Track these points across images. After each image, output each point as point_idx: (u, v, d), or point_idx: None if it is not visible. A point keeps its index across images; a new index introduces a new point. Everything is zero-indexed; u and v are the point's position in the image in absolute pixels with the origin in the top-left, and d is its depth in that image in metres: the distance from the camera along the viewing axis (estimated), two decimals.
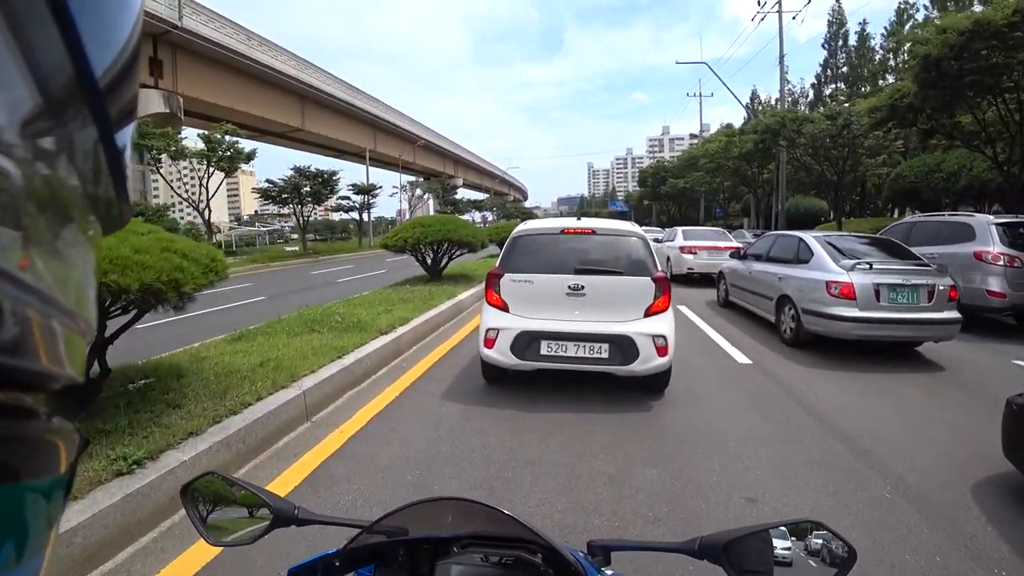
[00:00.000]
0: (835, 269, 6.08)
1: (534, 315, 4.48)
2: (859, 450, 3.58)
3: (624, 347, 4.25)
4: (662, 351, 4.24)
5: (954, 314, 5.80)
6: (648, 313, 4.38)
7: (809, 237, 6.97)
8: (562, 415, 4.20)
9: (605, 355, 4.29)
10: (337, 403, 4.50)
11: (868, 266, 5.89)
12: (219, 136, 24.08)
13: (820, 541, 0.78)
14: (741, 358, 5.93)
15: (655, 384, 4.63)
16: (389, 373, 5.35)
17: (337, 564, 0.80)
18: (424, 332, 6.97)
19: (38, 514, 0.25)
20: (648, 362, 4.23)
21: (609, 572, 0.90)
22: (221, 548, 1.73)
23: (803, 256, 6.78)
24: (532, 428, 3.95)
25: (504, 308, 4.56)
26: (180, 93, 25.99)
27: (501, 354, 4.42)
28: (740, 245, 12.87)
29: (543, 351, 4.36)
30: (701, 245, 13.23)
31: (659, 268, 4.51)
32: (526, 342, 4.37)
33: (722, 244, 13.23)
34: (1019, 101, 12.91)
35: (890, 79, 38.07)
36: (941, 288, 5.79)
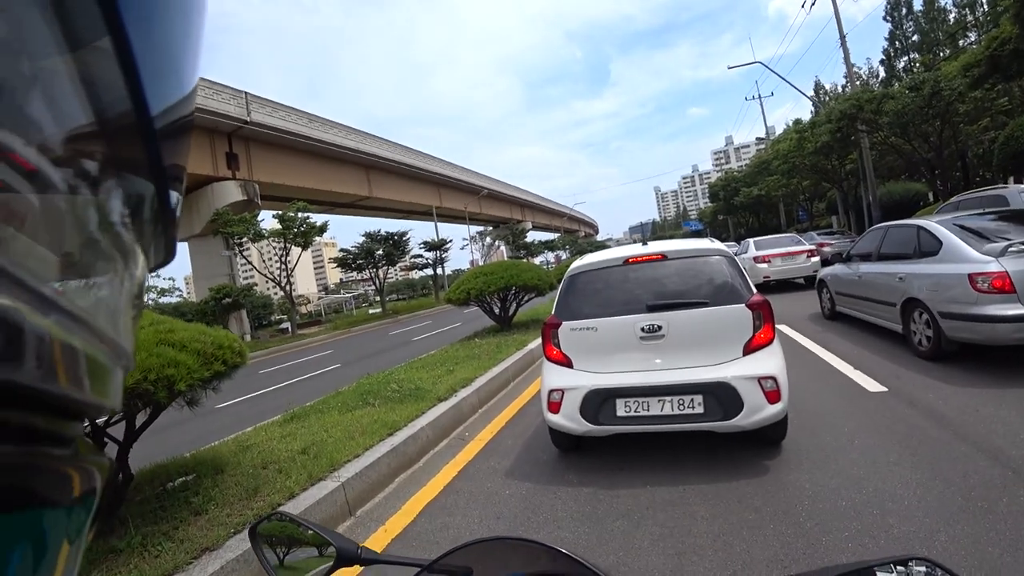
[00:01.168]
0: (978, 257, 4.76)
1: (604, 369, 3.68)
2: None
3: (723, 397, 3.34)
4: (773, 396, 3.29)
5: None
6: (748, 350, 3.45)
7: (931, 224, 5.62)
8: (653, 491, 3.33)
9: (700, 409, 3.38)
10: (386, 491, 3.90)
11: (1023, 246, 4.53)
12: (292, 214, 25.50)
13: None
14: (872, 385, 4.74)
15: (768, 437, 3.66)
16: (449, 447, 4.71)
17: None
18: (492, 391, 6.31)
19: (67, 540, 0.25)
20: (756, 413, 3.29)
21: None
22: None
23: (927, 247, 5.46)
24: (616, 513, 3.12)
25: (567, 363, 3.80)
26: (255, 180, 28.03)
27: (569, 420, 3.65)
28: (812, 247, 13.68)
29: (620, 412, 3.53)
30: (774, 253, 13.26)
31: (754, 291, 3.60)
32: (598, 403, 3.57)
33: (795, 249, 13.21)
34: None
35: (971, 36, 34.30)
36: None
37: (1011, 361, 4.72)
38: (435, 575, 0.79)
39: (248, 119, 26.27)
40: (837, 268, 7.85)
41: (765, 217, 49.44)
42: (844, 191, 29.50)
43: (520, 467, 4.03)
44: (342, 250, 35.52)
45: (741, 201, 46.26)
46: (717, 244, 3.99)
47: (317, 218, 27.74)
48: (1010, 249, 4.59)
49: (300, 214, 26.20)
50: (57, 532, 0.24)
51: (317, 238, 28.03)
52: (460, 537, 3.08)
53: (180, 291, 26.99)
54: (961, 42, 34.80)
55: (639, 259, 3.83)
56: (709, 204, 70.84)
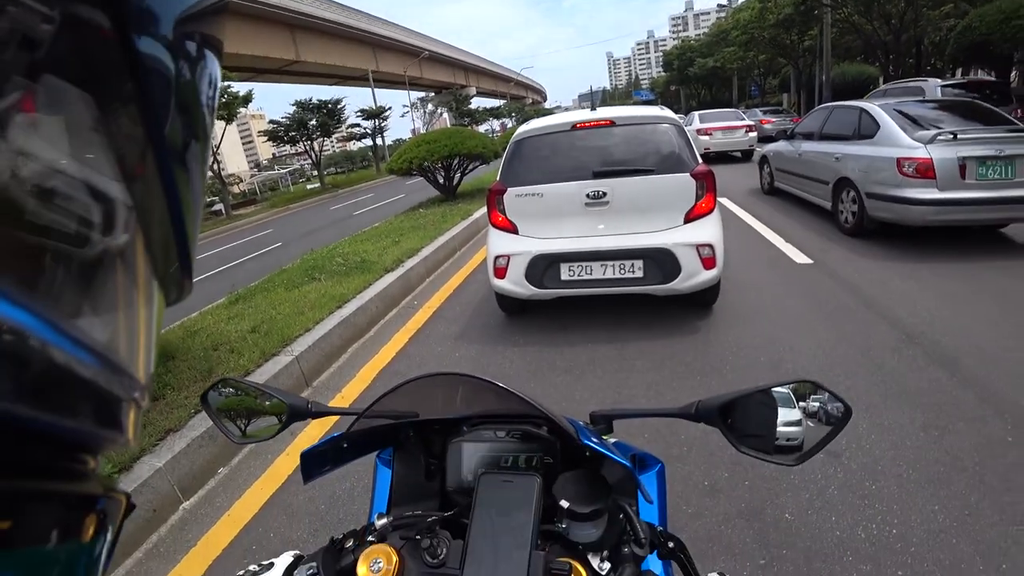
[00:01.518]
0: (909, 143, 4.97)
1: (549, 234, 3.73)
2: (965, 377, 2.86)
3: (662, 262, 3.49)
4: (709, 263, 3.47)
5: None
6: (689, 218, 3.55)
7: (873, 107, 5.74)
8: (594, 348, 3.58)
9: (640, 273, 3.55)
10: (340, 361, 4.00)
11: (951, 136, 4.74)
12: None
13: (817, 402, 0.76)
14: (800, 257, 5.07)
15: (701, 300, 3.91)
16: (399, 316, 4.80)
17: (345, 446, 0.81)
18: (439, 260, 6.36)
19: (89, 570, 0.25)
20: (692, 277, 3.48)
21: (612, 440, 0.91)
22: None
23: (867, 130, 5.63)
24: (560, 369, 3.36)
25: (512, 229, 3.82)
26: None
27: (515, 284, 3.75)
28: (752, 123, 14.80)
29: (564, 276, 3.66)
30: (716, 126, 14.13)
31: (699, 160, 3.62)
32: (543, 267, 3.67)
33: (735, 124, 14.28)
34: None
35: None
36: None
37: (923, 242, 5.11)
38: (382, 418, 0.81)
39: None
40: (780, 145, 7.99)
41: (718, 90, 48.74)
42: (799, 68, 29.16)
43: (469, 331, 4.19)
44: (271, 122, 32.74)
45: (695, 72, 45.11)
46: (667, 112, 3.93)
47: (239, 87, 25.04)
48: (938, 138, 4.78)
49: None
50: (74, 567, 0.24)
51: (242, 109, 25.50)
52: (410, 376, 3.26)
53: None
54: None
55: (587, 124, 3.74)
56: (663, 74, 68.75)
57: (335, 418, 1.26)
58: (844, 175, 5.77)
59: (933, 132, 4.87)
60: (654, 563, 0.84)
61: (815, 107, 7.84)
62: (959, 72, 25.84)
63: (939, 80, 11.31)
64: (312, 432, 2.91)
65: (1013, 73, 21.34)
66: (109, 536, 0.28)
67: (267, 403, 0.95)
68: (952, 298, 3.78)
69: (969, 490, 2.04)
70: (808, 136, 7.01)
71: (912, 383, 2.78)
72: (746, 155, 14.22)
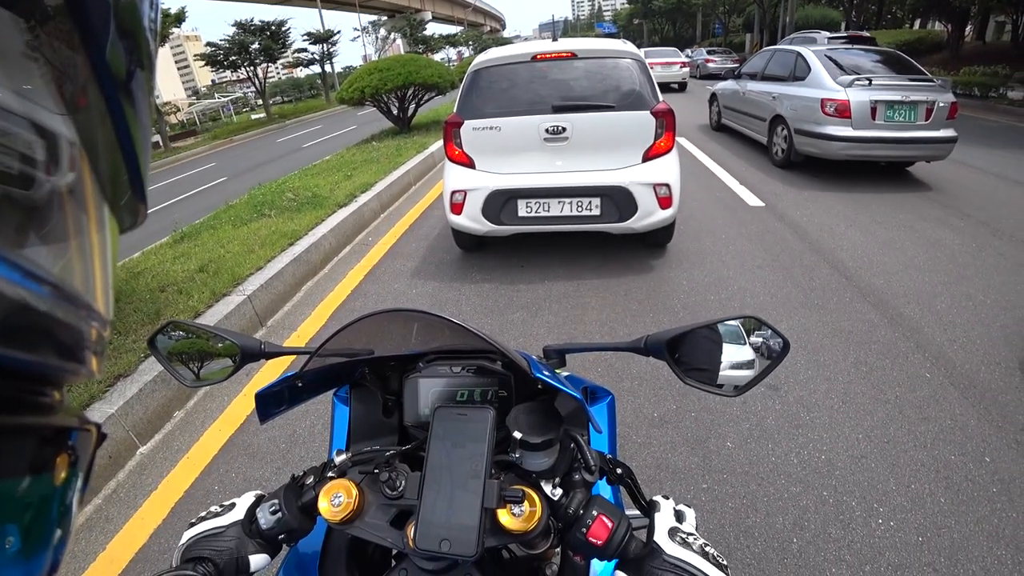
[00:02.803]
0: (832, 86, 5.59)
1: (506, 169, 3.67)
2: (892, 318, 3.07)
3: (619, 200, 3.51)
4: (665, 202, 3.50)
5: (950, 132, 5.37)
6: (647, 156, 3.55)
7: (808, 51, 6.28)
8: (550, 285, 3.63)
9: (596, 211, 3.56)
10: (294, 300, 3.92)
11: (867, 82, 5.38)
12: None
13: (759, 337, 0.79)
14: (753, 200, 5.23)
15: (656, 240, 3.98)
16: (353, 252, 4.69)
17: (300, 385, 0.80)
18: (393, 195, 6.18)
19: (61, 504, 0.26)
20: (648, 216, 3.52)
21: (564, 373, 0.96)
22: None
23: (800, 72, 6.20)
24: (516, 306, 3.40)
25: (469, 164, 3.73)
26: None
27: (472, 220, 3.71)
28: (686, 60, 19.37)
29: (521, 212, 3.63)
30: (656, 61, 17.55)
31: (660, 98, 3.58)
32: (500, 203, 3.63)
33: (673, 60, 18.40)
34: None
35: None
36: (941, 105, 5.33)
37: (867, 190, 5.33)
38: (338, 357, 0.81)
39: None
40: (728, 84, 8.35)
41: (681, 26, 47.66)
42: (764, 7, 28.62)
43: (425, 268, 4.16)
44: (209, 44, 29.90)
45: (660, 6, 43.76)
46: (629, 47, 3.83)
47: (171, 3, 22.68)
48: (856, 82, 5.37)
49: None
50: (49, 497, 0.24)
51: (175, 30, 23.26)
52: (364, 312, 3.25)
53: None
54: None
55: (548, 56, 3.63)
56: (626, 6, 66.35)
57: (291, 358, 1.24)
58: (778, 113, 6.33)
59: (852, 77, 5.47)
60: (603, 488, 0.89)
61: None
62: (917, 23, 26.06)
63: (827, 33, 14.06)
64: (268, 373, 2.88)
65: (968, 27, 21.65)
66: (82, 466, 0.28)
67: (219, 345, 0.92)
68: (889, 245, 3.98)
69: (889, 420, 2.24)
70: (752, 76, 7.44)
71: (847, 324, 2.97)
72: (681, 87, 18.63)
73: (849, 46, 7.54)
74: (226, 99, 53.78)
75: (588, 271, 3.79)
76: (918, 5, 20.39)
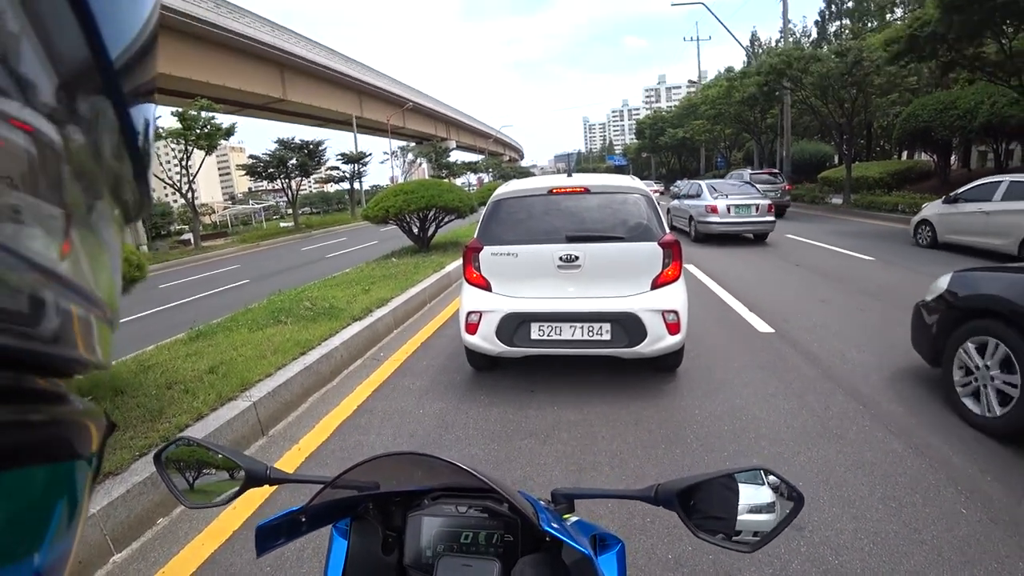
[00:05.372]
0: (710, 200, 11.75)
1: (521, 294, 3.82)
2: (917, 446, 2.96)
3: (629, 326, 3.59)
4: (673, 328, 3.58)
5: (770, 218, 11.32)
6: (656, 284, 3.70)
7: (702, 183, 12.96)
8: (560, 412, 3.56)
9: (607, 336, 3.63)
10: (299, 410, 3.87)
11: (725, 196, 11.70)
12: (194, 113, 22.87)
13: (771, 489, 0.77)
14: (762, 326, 5.25)
15: (666, 364, 4.00)
16: (363, 366, 4.70)
17: (303, 519, 0.78)
18: (408, 312, 6.30)
19: (71, 494, 0.26)
20: (657, 342, 3.58)
21: (572, 518, 0.92)
22: None
23: (698, 193, 12.61)
24: (525, 432, 3.32)
25: (486, 287, 3.89)
26: None
27: (486, 340, 3.78)
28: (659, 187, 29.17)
29: (534, 335, 3.71)
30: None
31: (667, 230, 3.81)
32: (514, 325, 3.73)
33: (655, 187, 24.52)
34: None
35: (898, 12, 35.99)
36: (763, 205, 11.39)
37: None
38: (342, 490, 0.80)
39: None
40: (674, 201, 14.97)
41: (687, 159, 51.00)
42: (762, 144, 30.86)
43: (434, 387, 4.12)
44: (251, 157, 32.61)
45: (666, 141, 47.26)
46: (637, 183, 4.13)
47: (223, 119, 24.98)
48: (718, 197, 11.65)
49: (204, 113, 23.47)
50: (61, 486, 0.25)
51: (223, 142, 25.34)
52: (374, 454, 3.16)
53: None
54: (888, 16, 36.25)
55: (563, 190, 3.90)
56: (635, 140, 71.69)
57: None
58: (691, 215, 12.51)
59: (718, 194, 11.86)
60: None
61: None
62: (904, 154, 27.94)
63: (750, 170, 20.22)
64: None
65: (953, 157, 23.14)
66: (91, 458, 0.28)
67: (224, 466, 0.91)
68: (908, 372, 3.91)
69: (928, 566, 2.07)
70: (684, 197, 13.77)
71: (870, 455, 2.84)
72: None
73: (760, 172, 17.38)
74: (259, 206, 57.07)
75: (598, 398, 3.73)
76: (903, 138, 21.95)
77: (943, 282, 3.52)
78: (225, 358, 4.28)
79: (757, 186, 14.29)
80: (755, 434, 3.15)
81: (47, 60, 0.22)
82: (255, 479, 0.89)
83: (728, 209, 11.18)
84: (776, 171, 20.32)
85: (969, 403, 3.18)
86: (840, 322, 5.19)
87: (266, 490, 2.76)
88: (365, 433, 3.45)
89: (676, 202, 14.18)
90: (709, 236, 11.60)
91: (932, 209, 10.25)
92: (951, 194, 9.90)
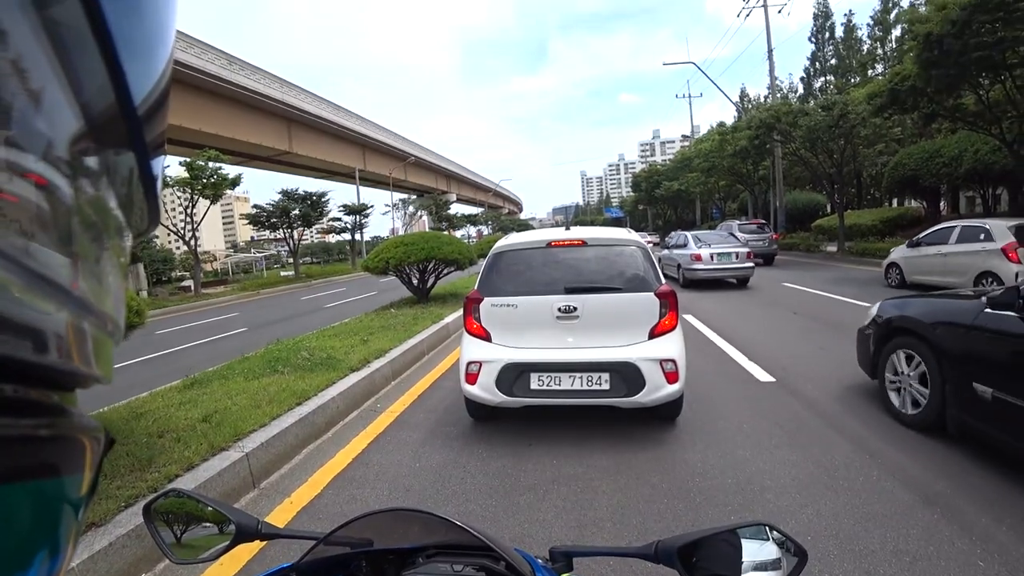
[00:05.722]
0: (695, 248, 13.06)
1: (521, 344, 3.84)
2: (927, 497, 2.89)
3: (627, 376, 3.59)
4: (672, 377, 3.59)
5: (750, 264, 12.54)
6: (653, 334, 3.73)
7: (688, 234, 14.25)
8: (559, 466, 3.48)
9: (606, 386, 3.63)
10: (293, 462, 3.79)
11: (708, 245, 12.95)
12: (202, 163, 23.47)
13: (775, 544, 0.76)
14: (763, 375, 5.22)
15: (666, 413, 3.97)
16: (360, 418, 4.63)
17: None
18: (406, 363, 6.24)
19: (68, 509, 0.26)
20: (656, 391, 3.57)
21: None
22: None
23: (684, 242, 13.88)
24: (523, 487, 3.23)
25: (486, 337, 3.92)
26: None
27: (485, 391, 3.77)
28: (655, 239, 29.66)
29: (534, 385, 3.71)
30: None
31: (663, 281, 3.88)
32: (513, 376, 3.73)
33: (649, 237, 24.00)
34: None
35: (879, 68, 37.66)
36: (742, 252, 12.57)
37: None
38: (335, 547, 0.80)
39: None
40: (663, 251, 15.84)
41: (682, 211, 51.82)
42: (755, 195, 31.51)
43: (431, 440, 4.05)
44: (255, 206, 33.24)
45: (662, 194, 48.18)
46: (633, 235, 4.24)
47: (230, 170, 25.62)
48: (702, 246, 12.89)
49: (211, 164, 24.09)
50: (60, 500, 0.25)
51: (228, 191, 25.99)
52: (368, 510, 3.07)
53: None
54: (870, 72, 37.95)
55: (561, 243, 4.00)
56: (631, 193, 73.13)
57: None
58: (679, 263, 13.60)
59: (702, 243, 13.10)
60: None
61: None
62: (894, 202, 28.56)
63: (739, 221, 20.95)
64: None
65: (942, 203, 23.64)
66: (88, 473, 0.27)
67: (213, 519, 0.90)
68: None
69: None
70: (671, 247, 14.97)
71: (879, 507, 2.75)
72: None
73: (747, 223, 19.08)
74: (260, 255, 57.59)
75: (598, 452, 3.66)
76: (892, 186, 22.49)
77: (874, 309, 4.37)
78: (219, 407, 4.23)
79: (740, 235, 16.02)
80: (759, 486, 3.07)
81: (77, 110, 0.23)
82: (245, 534, 0.87)
83: (711, 257, 12.45)
84: (763, 222, 21.04)
85: (893, 398, 4.00)
86: (840, 369, 5.16)
87: (256, 545, 2.69)
88: (360, 487, 3.36)
89: (666, 252, 15.11)
90: (696, 282, 12.82)
91: (899, 252, 11.25)
92: (914, 238, 10.95)
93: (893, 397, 3.97)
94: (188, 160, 23.67)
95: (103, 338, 0.28)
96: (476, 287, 4.06)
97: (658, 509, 2.91)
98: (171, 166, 25.52)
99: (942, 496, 2.84)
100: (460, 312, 8.85)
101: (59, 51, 0.21)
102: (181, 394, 4.84)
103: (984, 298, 3.27)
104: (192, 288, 27.38)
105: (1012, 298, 2.97)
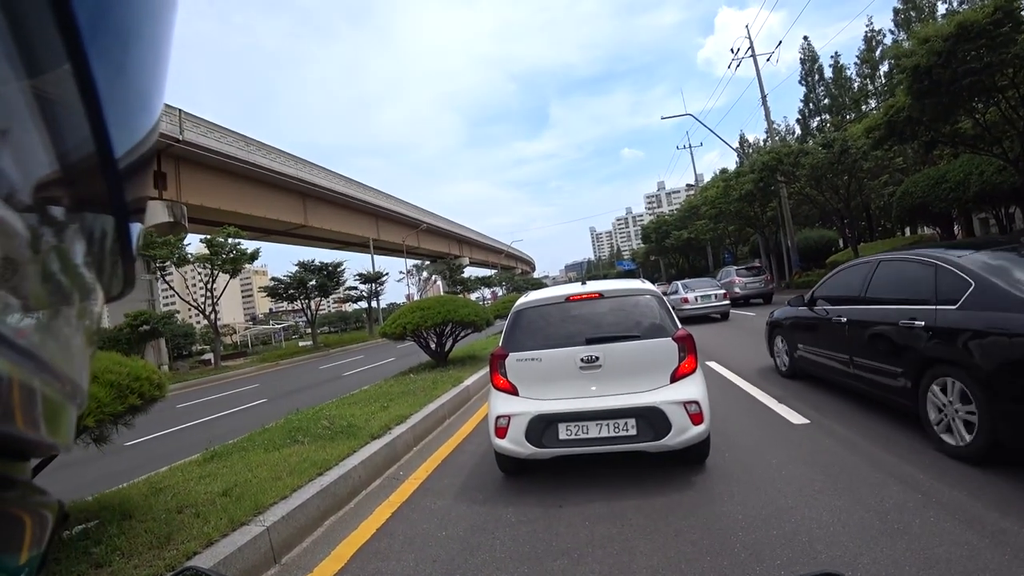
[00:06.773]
0: (683, 293, 17.00)
1: (547, 396, 3.90)
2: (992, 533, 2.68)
3: (653, 420, 3.63)
4: (697, 419, 3.62)
5: (727, 302, 16.51)
6: (675, 377, 3.81)
7: (679, 283, 18.44)
8: (592, 527, 3.30)
9: (633, 431, 3.66)
10: (315, 535, 3.66)
11: (693, 290, 16.86)
12: (221, 239, 24.26)
13: None
14: (795, 418, 5.00)
15: (695, 455, 3.93)
16: (382, 487, 4.49)
17: None
18: (427, 428, 6.11)
19: None
20: (682, 433, 3.60)
21: None
22: None
23: (676, 291, 17.80)
24: (556, 552, 3.06)
25: (513, 391, 3.99)
26: (184, 202, 26.55)
27: (515, 444, 3.81)
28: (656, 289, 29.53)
29: (562, 435, 3.74)
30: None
31: (679, 326, 3.96)
32: (542, 427, 3.76)
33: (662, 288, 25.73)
34: (1020, 96, 12.45)
35: (872, 103, 38.47)
36: (719, 294, 16.54)
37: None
38: None
39: (180, 138, 25.03)
40: (667, 297, 16.54)
41: (694, 258, 51.99)
42: (765, 236, 31.54)
43: (457, 506, 3.90)
44: (273, 279, 34.12)
45: (672, 243, 48.56)
46: (647, 284, 4.34)
47: (248, 245, 26.52)
48: (688, 291, 17.07)
49: (230, 240, 24.91)
50: None
51: (247, 265, 26.75)
52: None
53: None
54: (864, 107, 38.81)
55: (579, 297, 4.13)
56: (642, 245, 73.81)
57: None
58: (675, 305, 15.38)
59: (689, 288, 17.29)
60: None
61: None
62: (907, 231, 28.29)
63: (736, 267, 22.85)
64: None
65: (956, 227, 23.37)
66: (28, 552, 0.24)
67: None
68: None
69: None
70: (670, 294, 18.14)
71: (942, 550, 2.54)
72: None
73: (741, 267, 21.98)
74: (279, 326, 58.29)
75: (632, 509, 3.48)
76: (902, 215, 22.29)
77: (771, 313, 7.17)
78: (239, 480, 4.15)
79: (738, 279, 20.37)
80: (808, 537, 2.87)
81: (52, 156, 0.22)
82: None
83: (696, 299, 16.47)
84: (757, 265, 24.03)
85: (777, 363, 7.10)
86: (874, 405, 4.95)
87: None
88: (385, 559, 3.21)
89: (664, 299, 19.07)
90: (684, 319, 14.61)
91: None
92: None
93: (776, 357, 7.14)
94: (208, 237, 24.52)
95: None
96: (501, 344, 4.16)
97: (701, 568, 2.72)
98: (192, 243, 26.38)
99: (1008, 533, 2.63)
100: (479, 374, 8.82)
101: (40, 100, 0.21)
102: (201, 468, 4.77)
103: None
104: (212, 361, 27.75)
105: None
